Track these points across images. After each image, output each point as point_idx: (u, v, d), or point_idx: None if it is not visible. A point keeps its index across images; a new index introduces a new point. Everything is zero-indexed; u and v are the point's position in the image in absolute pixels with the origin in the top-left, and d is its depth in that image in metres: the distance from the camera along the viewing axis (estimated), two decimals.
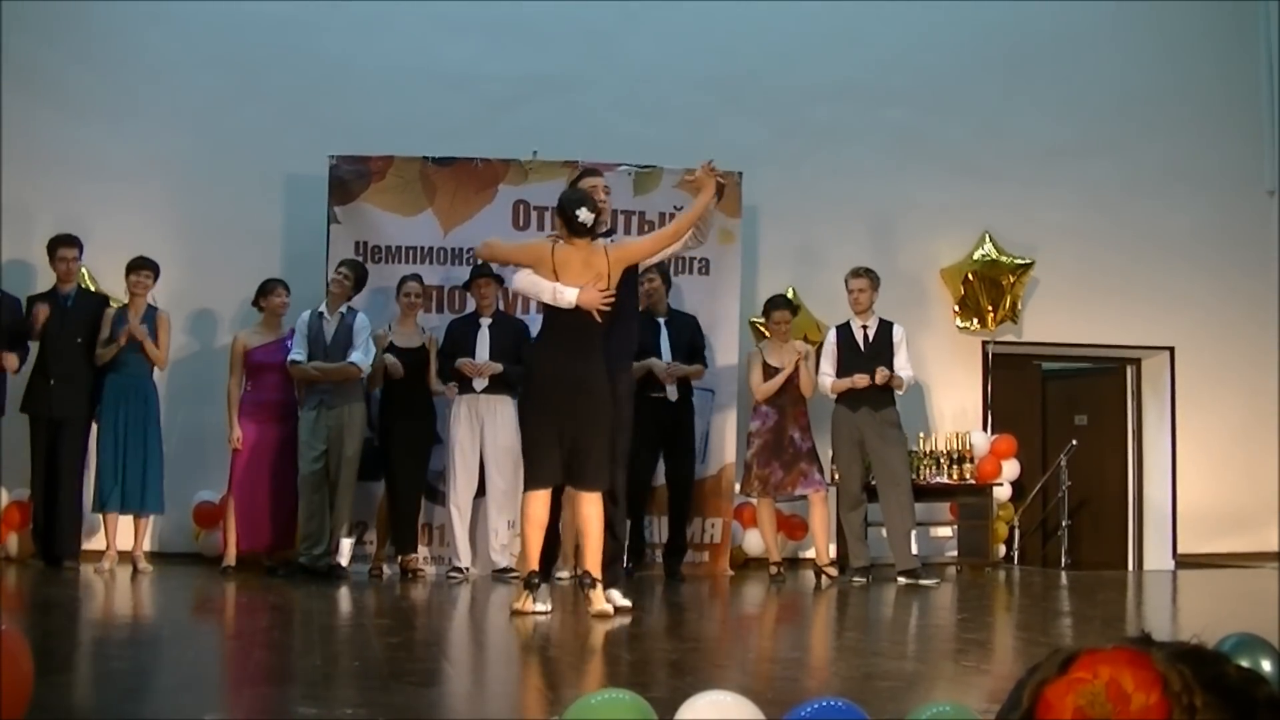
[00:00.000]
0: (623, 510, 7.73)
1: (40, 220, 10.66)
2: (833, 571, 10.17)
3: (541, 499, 7.24)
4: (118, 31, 11.57)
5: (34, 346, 10.00)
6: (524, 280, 7.50)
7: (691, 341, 10.48)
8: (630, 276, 7.63)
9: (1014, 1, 12.86)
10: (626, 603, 7.44)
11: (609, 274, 7.25)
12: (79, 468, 9.96)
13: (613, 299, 7.23)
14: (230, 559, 9.90)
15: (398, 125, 11.40)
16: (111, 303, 10.16)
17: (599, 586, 7.17)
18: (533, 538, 7.23)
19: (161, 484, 9.99)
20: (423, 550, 10.28)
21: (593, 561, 7.21)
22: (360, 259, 10.37)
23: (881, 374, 9.99)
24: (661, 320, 10.36)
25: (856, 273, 10.34)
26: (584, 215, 7.22)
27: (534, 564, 7.20)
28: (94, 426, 9.94)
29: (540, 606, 7.13)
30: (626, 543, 7.99)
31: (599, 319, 7.18)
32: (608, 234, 7.83)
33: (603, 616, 7.03)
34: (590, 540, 7.23)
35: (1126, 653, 1.54)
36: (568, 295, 7.18)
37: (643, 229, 10.84)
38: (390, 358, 9.97)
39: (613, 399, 7.33)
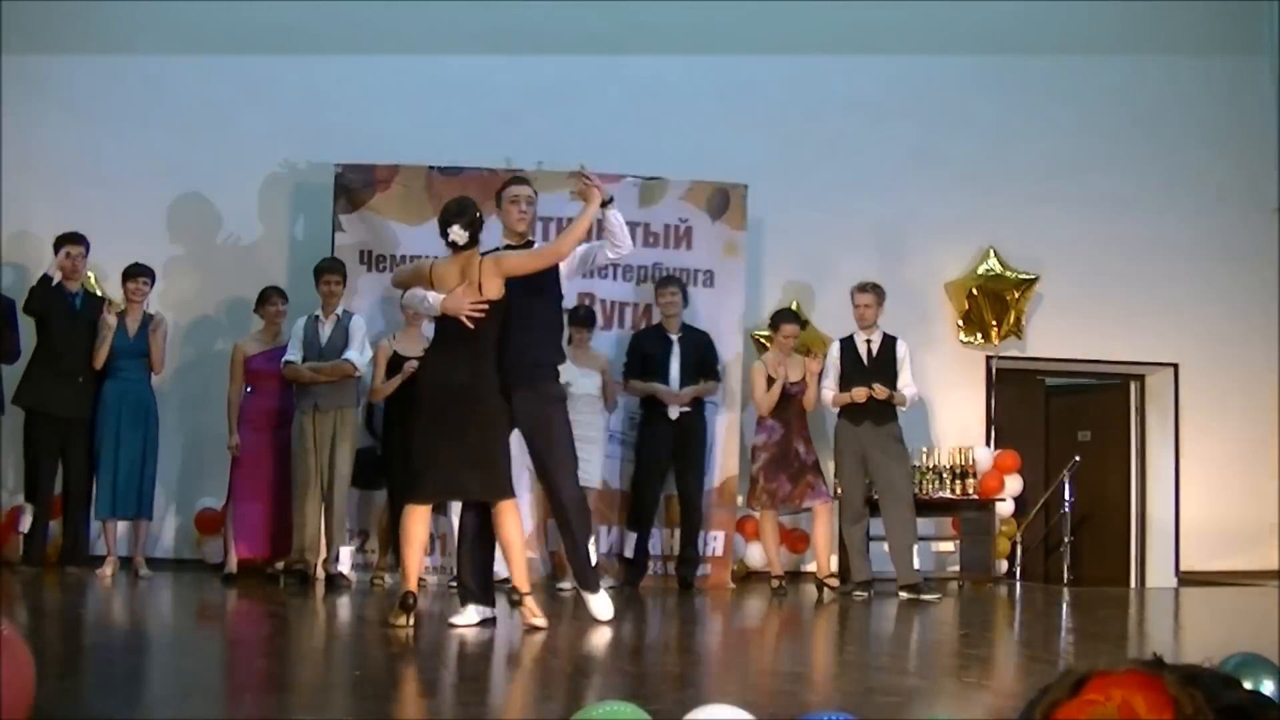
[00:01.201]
0: (577, 519, 7.38)
1: (44, 225, 10.62)
2: (833, 583, 10.17)
3: (421, 516, 7.04)
4: (124, 37, 11.57)
5: (28, 343, 9.99)
6: (407, 295, 7.42)
7: (703, 359, 10.51)
8: (544, 284, 7.35)
9: (1019, 18, 12.87)
10: (605, 614, 7.33)
11: (479, 282, 7.01)
12: (88, 471, 9.94)
13: (484, 306, 6.97)
14: (232, 566, 9.90)
15: (404, 134, 11.41)
16: (109, 306, 10.12)
17: (528, 600, 6.99)
18: (411, 557, 7.03)
19: (153, 491, 9.99)
20: (424, 560, 10.25)
21: (519, 576, 7.04)
22: (336, 259, 10.38)
23: (880, 390, 9.98)
24: (674, 337, 10.41)
25: (863, 287, 10.32)
26: (454, 234, 7.04)
27: (411, 584, 6.97)
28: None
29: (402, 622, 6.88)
30: (594, 551, 7.53)
31: (470, 325, 6.94)
32: (529, 243, 7.56)
33: (534, 629, 6.90)
34: (514, 552, 7.03)
35: (1139, 675, 1.54)
36: (430, 300, 7.08)
37: (648, 240, 10.87)
38: (412, 363, 9.91)
39: (509, 406, 7.14)
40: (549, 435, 7.29)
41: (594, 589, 7.45)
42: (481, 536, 7.24)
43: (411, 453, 7.17)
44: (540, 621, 6.94)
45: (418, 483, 7.06)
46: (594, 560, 7.52)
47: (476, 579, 7.26)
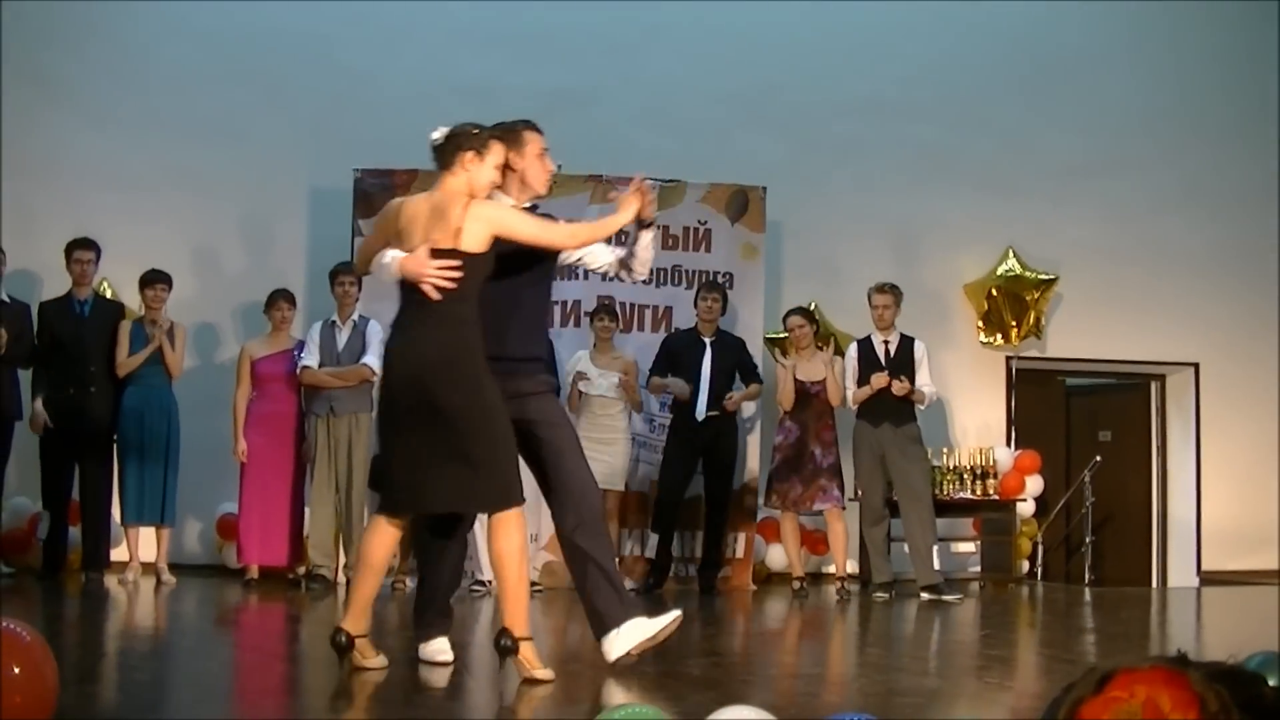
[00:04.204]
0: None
1: (58, 231, 10.51)
2: (849, 585, 10.18)
3: (388, 533, 5.33)
4: (141, 43, 11.63)
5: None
6: (373, 262, 5.45)
7: (740, 363, 10.49)
8: (542, 266, 5.68)
9: (1037, 19, 12.86)
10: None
11: (459, 228, 5.12)
12: (107, 478, 9.95)
13: (456, 263, 5.05)
14: (253, 571, 9.91)
15: (422, 138, 11.32)
16: (126, 314, 10.16)
17: (526, 647, 5.17)
18: (361, 582, 5.46)
19: (175, 496, 10.00)
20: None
21: (516, 613, 5.19)
22: (350, 261, 10.36)
23: (900, 386, 9.95)
24: (707, 340, 10.35)
25: (881, 288, 10.32)
26: (436, 133, 5.49)
27: (350, 620, 5.41)
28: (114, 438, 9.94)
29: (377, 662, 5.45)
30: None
31: (436, 296, 5.03)
32: (533, 205, 6.02)
33: (536, 682, 5.10)
34: (511, 582, 5.17)
35: (1163, 672, 1.53)
36: (385, 259, 5.18)
37: (667, 243, 10.86)
38: None
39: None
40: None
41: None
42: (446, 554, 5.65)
43: (388, 459, 5.32)
44: (544, 674, 5.13)
45: (391, 489, 5.30)
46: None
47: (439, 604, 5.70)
